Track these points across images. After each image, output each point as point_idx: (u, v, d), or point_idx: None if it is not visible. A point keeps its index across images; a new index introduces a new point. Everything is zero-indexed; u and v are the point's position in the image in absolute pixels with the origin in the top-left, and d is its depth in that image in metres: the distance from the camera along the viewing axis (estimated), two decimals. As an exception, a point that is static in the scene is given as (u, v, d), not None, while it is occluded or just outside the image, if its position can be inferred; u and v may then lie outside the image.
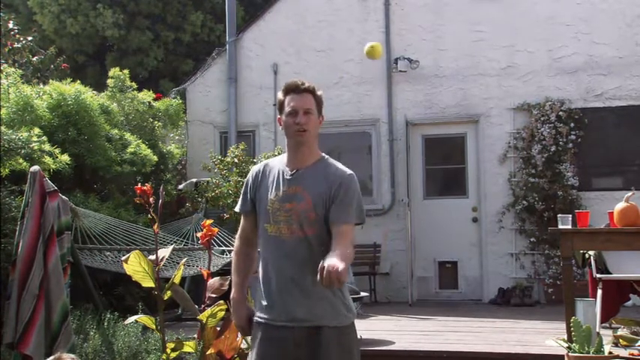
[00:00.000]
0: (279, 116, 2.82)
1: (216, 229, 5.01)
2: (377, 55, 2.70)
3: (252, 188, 2.82)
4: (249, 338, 4.65)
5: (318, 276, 2.38)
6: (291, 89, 2.75)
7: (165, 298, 4.28)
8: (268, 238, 2.72)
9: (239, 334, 4.50)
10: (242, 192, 2.89)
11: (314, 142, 2.78)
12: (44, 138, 5.92)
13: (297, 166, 2.75)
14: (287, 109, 2.73)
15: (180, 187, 8.74)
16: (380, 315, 7.29)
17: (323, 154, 2.83)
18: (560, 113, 8.39)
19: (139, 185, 4.25)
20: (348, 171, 2.77)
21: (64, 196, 4.98)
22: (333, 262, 2.36)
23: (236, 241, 2.91)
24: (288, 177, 2.74)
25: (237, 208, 2.92)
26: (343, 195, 2.68)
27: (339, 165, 2.80)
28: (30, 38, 9.57)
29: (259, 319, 2.75)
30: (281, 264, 2.68)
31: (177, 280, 4.36)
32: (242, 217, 2.90)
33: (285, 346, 2.66)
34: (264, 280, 2.74)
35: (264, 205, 2.74)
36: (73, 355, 2.16)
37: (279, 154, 8.36)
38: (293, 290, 2.66)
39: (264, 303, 2.72)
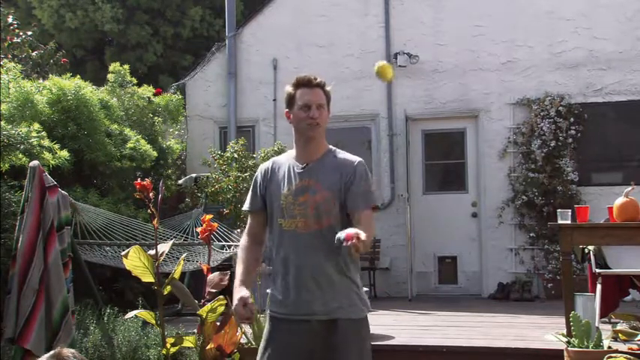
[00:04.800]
0: (286, 110, 2.82)
1: (215, 225, 5.03)
2: (387, 76, 2.67)
3: (263, 185, 2.81)
4: (249, 333, 4.69)
5: (339, 241, 2.38)
6: (303, 83, 2.75)
7: (165, 293, 4.29)
8: (283, 233, 2.71)
9: (239, 329, 4.52)
10: (251, 190, 2.87)
11: (323, 135, 2.81)
12: (43, 133, 5.92)
13: (306, 160, 2.77)
14: (299, 102, 2.74)
15: (180, 182, 8.74)
16: (379, 310, 7.28)
17: (330, 145, 2.85)
18: (560, 108, 8.38)
19: (139, 180, 4.26)
20: (357, 158, 2.80)
21: (63, 191, 4.98)
22: (354, 230, 2.38)
23: (243, 237, 2.88)
24: (299, 171, 2.75)
25: (246, 207, 2.88)
26: (357, 182, 2.71)
27: (347, 154, 2.83)
28: (30, 33, 9.54)
29: (274, 314, 2.75)
30: (297, 258, 2.68)
31: (177, 275, 4.37)
32: (250, 216, 2.87)
33: (300, 339, 2.67)
34: (279, 275, 2.74)
35: (277, 201, 2.73)
36: (73, 350, 2.16)
37: (278, 149, 8.38)
38: (310, 284, 2.66)
39: (280, 297, 2.72)
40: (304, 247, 2.67)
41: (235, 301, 2.69)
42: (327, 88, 2.80)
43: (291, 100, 2.78)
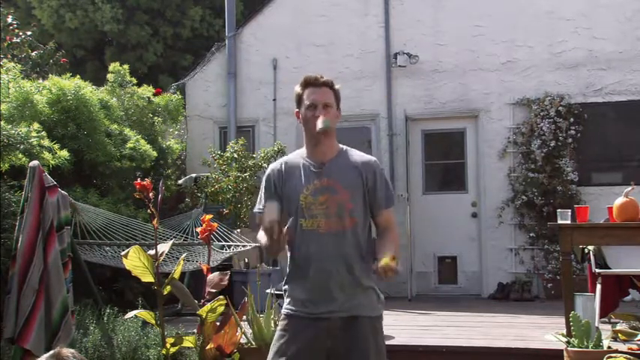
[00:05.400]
0: (296, 110, 2.81)
1: (215, 225, 5.03)
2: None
3: (280, 186, 2.77)
4: (249, 333, 4.68)
5: (376, 267, 2.54)
6: (310, 82, 2.75)
7: (165, 293, 4.28)
8: (303, 232, 2.70)
9: (239, 329, 4.52)
10: (264, 193, 2.81)
11: (333, 135, 2.79)
12: (43, 133, 5.92)
13: (321, 159, 2.76)
14: (306, 102, 2.74)
15: (180, 182, 8.74)
16: (379, 310, 7.28)
17: (341, 145, 2.85)
18: (560, 108, 8.38)
19: (139, 180, 4.25)
20: (372, 157, 2.84)
21: (63, 191, 4.98)
22: (392, 264, 2.54)
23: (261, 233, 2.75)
24: (315, 170, 2.74)
25: (260, 210, 2.79)
26: (379, 181, 2.77)
27: (361, 152, 2.84)
28: (29, 33, 9.54)
29: (293, 312, 2.73)
30: (319, 257, 2.68)
31: (176, 275, 4.37)
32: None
33: (317, 337, 2.67)
34: (297, 274, 2.74)
35: (295, 201, 2.71)
36: (72, 350, 2.15)
37: (278, 149, 8.39)
38: (331, 283, 2.67)
39: (300, 296, 2.72)
40: (326, 247, 2.67)
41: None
42: (336, 87, 2.80)
43: (299, 100, 2.78)
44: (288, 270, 2.80)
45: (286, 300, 2.78)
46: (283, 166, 2.81)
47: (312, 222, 2.69)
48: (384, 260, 2.54)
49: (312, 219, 2.69)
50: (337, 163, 2.76)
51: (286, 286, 2.79)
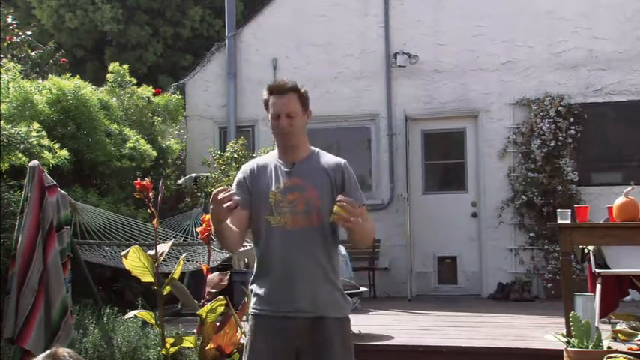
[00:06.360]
0: (267, 113, 2.84)
1: (215, 224, 5.01)
2: None
3: (250, 183, 2.80)
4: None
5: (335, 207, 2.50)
6: (274, 90, 2.77)
7: (165, 293, 4.28)
8: (271, 230, 2.71)
9: (239, 329, 4.51)
10: (236, 191, 2.81)
11: (302, 137, 2.82)
12: (43, 133, 5.92)
13: (292, 160, 2.80)
14: (270, 110, 2.78)
15: (180, 182, 8.74)
16: (379, 310, 7.29)
17: (313, 147, 2.88)
18: (560, 108, 8.39)
19: (139, 180, 4.25)
20: (342, 160, 2.86)
21: (63, 191, 4.98)
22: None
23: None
24: (286, 170, 2.77)
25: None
26: (348, 182, 2.79)
27: (331, 155, 2.88)
28: (29, 33, 9.54)
29: (259, 311, 2.74)
30: (285, 255, 2.68)
31: (176, 275, 4.37)
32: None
33: (285, 337, 2.67)
34: (264, 272, 2.75)
35: (265, 199, 2.73)
36: (69, 350, 2.14)
37: (278, 149, 8.39)
38: (297, 281, 2.67)
39: (265, 294, 2.73)
40: (292, 244, 2.68)
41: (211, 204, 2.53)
42: (302, 90, 2.80)
43: (266, 106, 2.82)
44: (254, 269, 2.81)
45: (252, 299, 2.79)
46: (255, 165, 2.85)
47: (279, 219, 2.70)
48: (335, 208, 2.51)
49: (280, 216, 2.71)
50: (308, 163, 2.80)
51: (252, 286, 2.80)
